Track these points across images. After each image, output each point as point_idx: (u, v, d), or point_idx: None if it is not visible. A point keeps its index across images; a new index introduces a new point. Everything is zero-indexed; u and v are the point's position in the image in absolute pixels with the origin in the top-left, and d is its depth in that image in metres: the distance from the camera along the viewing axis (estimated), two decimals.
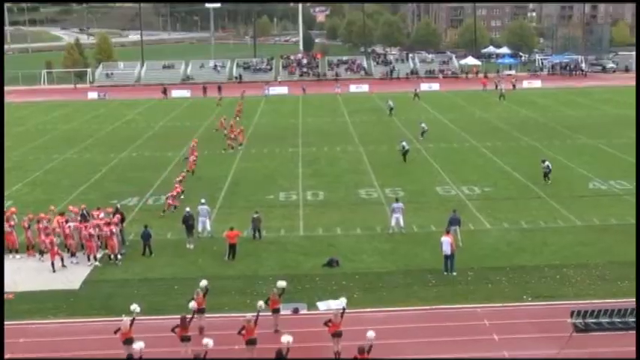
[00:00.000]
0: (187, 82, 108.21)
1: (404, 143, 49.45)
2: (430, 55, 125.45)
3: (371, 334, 19.22)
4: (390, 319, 23.74)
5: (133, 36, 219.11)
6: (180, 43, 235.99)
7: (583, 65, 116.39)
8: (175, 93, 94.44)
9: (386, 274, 27.87)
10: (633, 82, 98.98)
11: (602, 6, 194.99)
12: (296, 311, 24.33)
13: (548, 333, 21.68)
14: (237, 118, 66.29)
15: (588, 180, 42.36)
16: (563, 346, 17.78)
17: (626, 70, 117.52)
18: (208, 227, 32.86)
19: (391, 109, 70.99)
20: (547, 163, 42.49)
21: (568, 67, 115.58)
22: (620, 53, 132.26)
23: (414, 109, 75.23)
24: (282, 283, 23.40)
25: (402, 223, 32.79)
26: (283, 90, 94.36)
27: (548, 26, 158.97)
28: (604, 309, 13.05)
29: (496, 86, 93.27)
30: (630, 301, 22.52)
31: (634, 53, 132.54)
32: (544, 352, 20.76)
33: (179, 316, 21.29)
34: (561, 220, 34.48)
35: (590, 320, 12.85)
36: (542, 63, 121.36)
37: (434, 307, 24.72)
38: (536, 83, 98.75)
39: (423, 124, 58.02)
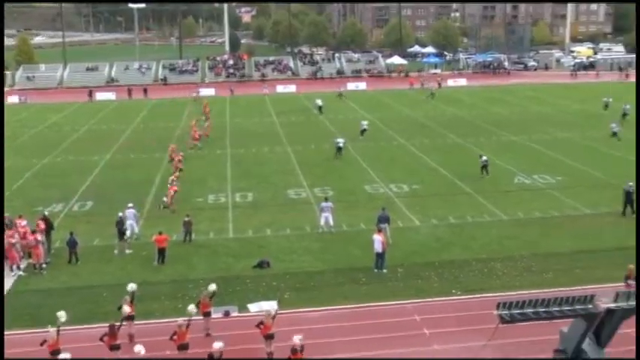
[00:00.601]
0: (112, 84, 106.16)
1: (338, 139, 50.33)
2: (356, 55, 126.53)
3: (297, 337, 19.18)
4: (322, 318, 23.83)
5: (52, 38, 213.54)
6: (104, 44, 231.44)
7: (506, 64, 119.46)
8: (100, 95, 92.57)
9: (317, 273, 27.96)
10: (554, 80, 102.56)
11: (522, 6, 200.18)
12: (227, 314, 24.18)
13: (477, 325, 22.13)
14: (205, 119, 65.27)
15: (513, 175, 43.46)
16: (491, 338, 18.22)
17: (546, 67, 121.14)
18: (136, 230, 32.40)
19: (320, 107, 71.68)
20: (485, 157, 43.64)
21: (491, 66, 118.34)
22: (540, 52, 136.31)
23: (342, 108, 75.78)
24: (212, 287, 23.23)
25: (331, 222, 32.97)
26: (210, 91, 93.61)
27: (471, 26, 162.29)
28: (529, 300, 13.40)
29: (422, 85, 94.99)
30: (554, 291, 23.24)
31: (554, 52, 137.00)
32: (473, 344, 21.21)
33: (107, 324, 20.87)
34: (488, 215, 35.29)
35: (515, 311, 13.19)
36: (466, 62, 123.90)
37: (365, 304, 24.92)
38: (462, 82, 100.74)
39: (363, 123, 58.91)
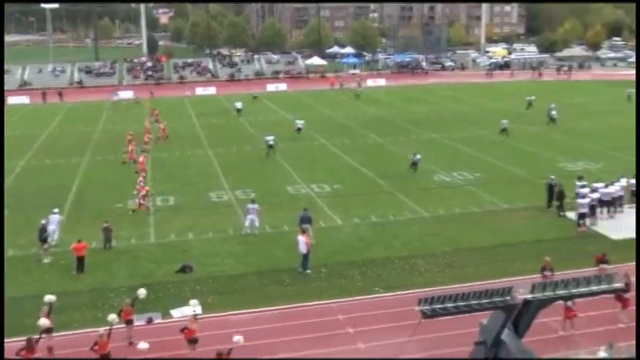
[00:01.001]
0: (25, 87, 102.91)
1: (268, 137, 51.00)
2: (276, 56, 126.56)
3: (238, 338, 19.06)
4: (247, 321, 23.74)
5: None
6: (16, 46, 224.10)
7: (424, 64, 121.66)
8: (12, 100, 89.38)
9: (240, 276, 27.84)
10: (470, 79, 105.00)
11: (439, 7, 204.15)
12: (150, 321, 23.77)
13: (400, 321, 22.47)
14: (157, 122, 63.85)
15: (433, 173, 44.29)
16: (413, 333, 18.54)
17: (463, 67, 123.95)
18: (55, 236, 31.53)
19: (238, 110, 71.71)
20: (418, 156, 44.78)
21: (410, 66, 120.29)
22: (457, 52, 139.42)
23: (262, 110, 75.67)
24: (141, 292, 22.69)
25: (256, 224, 32.88)
26: (129, 94, 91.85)
27: (389, 27, 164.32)
28: (449, 294, 13.70)
29: (341, 85, 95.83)
30: (474, 285, 23.79)
31: (470, 52, 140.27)
32: (397, 341, 21.52)
33: (25, 338, 20.22)
34: (409, 213, 35.86)
35: (436, 306, 13.47)
36: (385, 62, 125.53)
37: (289, 305, 24.95)
38: (381, 82, 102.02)
39: (299, 122, 59.81)
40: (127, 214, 36.40)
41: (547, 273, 24.53)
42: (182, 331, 20.89)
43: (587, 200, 33.09)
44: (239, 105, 72.45)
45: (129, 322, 22.31)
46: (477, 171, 44.50)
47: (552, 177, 36.90)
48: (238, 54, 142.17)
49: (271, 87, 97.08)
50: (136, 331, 22.40)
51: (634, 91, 76.94)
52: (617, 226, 33.18)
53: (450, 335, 21.19)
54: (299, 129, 58.70)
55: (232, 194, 40.21)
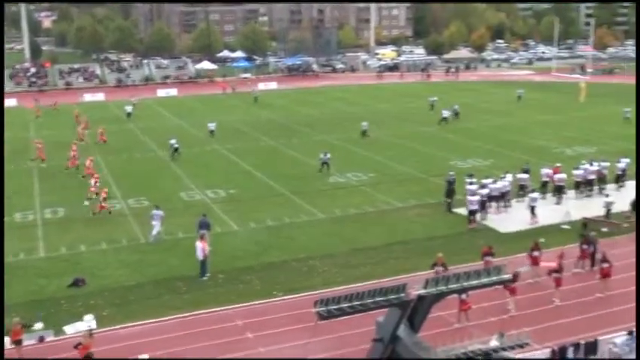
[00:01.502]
0: None
1: (172, 140, 51.28)
2: (165, 61, 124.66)
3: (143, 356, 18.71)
4: (144, 332, 23.30)
5: None
6: None
7: (315, 66, 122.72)
8: None
9: (135, 286, 27.27)
10: (361, 81, 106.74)
11: (328, 10, 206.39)
12: (42, 339, 22.93)
13: (300, 324, 22.62)
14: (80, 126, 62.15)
15: (327, 174, 44.74)
16: (311, 335, 18.73)
17: (353, 70, 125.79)
18: None
19: (128, 114, 71.20)
20: (328, 155, 45.55)
21: (301, 69, 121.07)
22: (347, 54, 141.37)
23: (153, 115, 74.34)
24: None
25: (157, 230, 32.49)
26: (12, 102, 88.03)
27: (279, 30, 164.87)
28: (345, 295, 13.91)
29: (233, 89, 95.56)
30: (371, 283, 24.26)
31: (360, 54, 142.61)
32: (297, 343, 21.67)
33: None
34: (305, 215, 36.13)
35: (332, 307, 13.63)
36: (276, 65, 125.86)
37: (188, 314, 24.66)
38: (272, 85, 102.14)
39: (211, 125, 60.46)
40: (14, 228, 34.97)
41: (439, 269, 25.30)
42: (76, 347, 20.29)
43: (476, 197, 34.33)
44: (129, 109, 72.27)
45: (18, 343, 21.44)
46: (371, 171, 45.32)
47: (451, 173, 38.35)
48: (127, 59, 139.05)
49: (162, 92, 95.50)
50: (28, 351, 21.59)
51: (524, 91, 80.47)
52: (505, 220, 34.60)
53: (351, 334, 21.52)
54: (212, 131, 59.93)
55: (125, 203, 39.32)
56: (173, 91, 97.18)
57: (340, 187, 42.02)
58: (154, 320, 24.17)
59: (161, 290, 26.80)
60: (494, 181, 36.77)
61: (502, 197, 36.32)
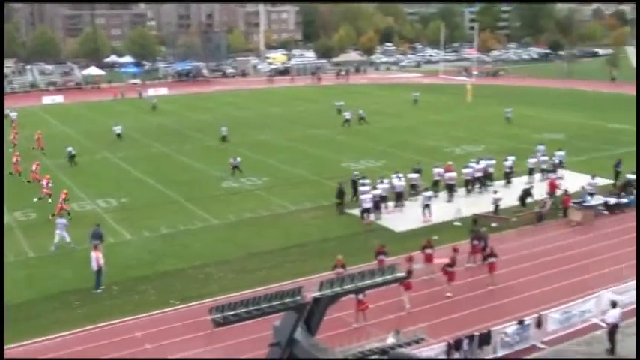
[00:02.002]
0: None
1: (69, 148, 50.92)
2: (50, 67, 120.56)
3: None
4: (38, 351, 22.46)
5: None
6: None
7: (205, 71, 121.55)
8: None
9: (25, 303, 26.17)
10: (252, 85, 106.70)
11: (217, 15, 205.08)
12: None
13: (198, 332, 22.36)
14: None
15: (220, 180, 44.48)
16: (208, 343, 18.58)
17: (244, 74, 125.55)
18: None
19: (12, 120, 69.34)
20: (238, 159, 45.85)
21: (191, 74, 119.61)
22: (237, 59, 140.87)
23: (40, 122, 71.65)
24: None
25: (59, 239, 31.99)
26: None
27: (167, 34, 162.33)
28: (240, 300, 13.84)
29: (122, 95, 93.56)
30: (268, 288, 24.24)
31: (250, 59, 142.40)
32: (196, 352, 21.45)
33: None
34: (199, 221, 35.76)
35: (228, 313, 13.53)
36: (166, 71, 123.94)
37: (82, 329, 23.92)
38: (162, 91, 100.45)
39: (116, 128, 60.64)
40: None
41: (340, 270, 25.59)
42: None
43: (369, 196, 35.03)
44: (14, 115, 70.91)
45: None
46: (265, 175, 45.35)
47: (356, 173, 39.26)
48: (9, 65, 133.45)
49: (47, 99, 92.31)
50: None
51: (419, 94, 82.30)
52: (400, 219, 35.40)
53: (249, 340, 21.46)
54: (119, 134, 59.94)
55: (11, 216, 37.73)
56: (59, 98, 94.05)
57: (234, 192, 41.84)
58: (48, 337, 23.30)
59: (54, 305, 25.87)
60: (389, 182, 37.57)
61: (399, 197, 37.16)
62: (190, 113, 76.74)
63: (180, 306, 25.57)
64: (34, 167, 45.78)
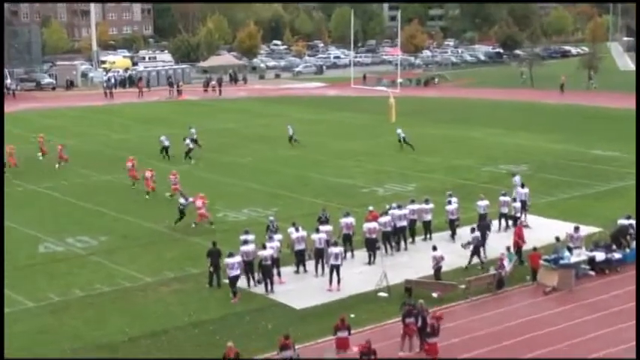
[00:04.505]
0: None
1: None
2: None
3: None
4: None
5: None
6: None
7: (9, 82, 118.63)
8: None
9: None
10: (81, 102, 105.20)
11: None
12: None
13: None
14: None
15: (36, 241, 43.41)
16: None
17: (68, 86, 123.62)
18: None
19: None
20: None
21: None
22: (58, 64, 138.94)
23: None
24: None
25: None
26: None
27: None
28: None
29: None
30: None
31: (77, 63, 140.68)
32: None
33: None
34: (8, 305, 34.43)
35: None
36: None
37: None
38: None
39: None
40: None
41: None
42: None
43: (237, 259, 34.59)
44: None
45: None
46: (101, 232, 44.55)
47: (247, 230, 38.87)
48: None
49: None
50: None
51: (321, 113, 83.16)
52: (299, 291, 35.33)
53: None
54: None
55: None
56: None
57: (58, 258, 40.86)
58: None
59: None
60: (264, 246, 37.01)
61: (298, 257, 37.16)
62: None
63: None
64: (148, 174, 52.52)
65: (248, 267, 35.59)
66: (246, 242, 36.65)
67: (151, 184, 52.12)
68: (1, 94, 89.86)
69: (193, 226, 44.57)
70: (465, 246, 38.35)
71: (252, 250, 35.89)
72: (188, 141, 65.04)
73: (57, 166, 61.64)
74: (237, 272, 34.62)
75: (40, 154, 65.06)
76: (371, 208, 42.42)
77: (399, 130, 68.54)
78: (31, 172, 60.64)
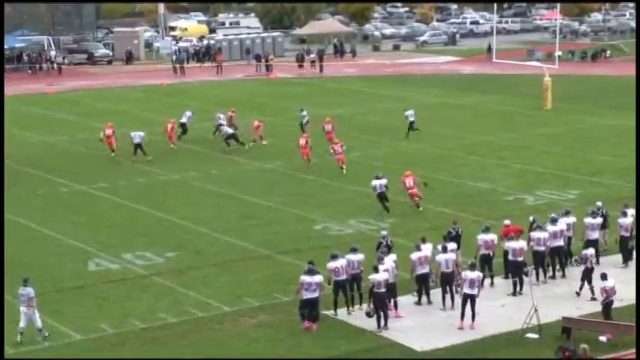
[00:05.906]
0: None
1: None
2: None
3: None
4: None
5: None
6: None
7: (53, 54, 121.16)
8: None
9: None
10: (144, 81, 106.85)
11: None
12: None
13: None
14: None
15: (86, 254, 44.33)
16: None
17: (128, 59, 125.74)
18: None
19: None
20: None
21: (25, 59, 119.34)
22: (115, 31, 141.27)
23: None
24: None
25: None
26: None
27: None
28: None
29: None
30: None
31: (139, 30, 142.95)
32: None
33: None
34: (52, 337, 35.20)
35: None
36: None
37: None
38: None
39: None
40: None
41: None
42: None
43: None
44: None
45: None
46: (170, 247, 45.14)
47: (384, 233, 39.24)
48: None
49: None
50: None
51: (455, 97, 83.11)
52: (421, 327, 35.25)
53: None
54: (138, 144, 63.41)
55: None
56: None
57: (111, 278, 41.51)
58: None
59: None
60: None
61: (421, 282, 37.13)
62: (24, 133, 76.30)
63: None
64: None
65: (338, 289, 35.69)
66: (335, 257, 36.24)
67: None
68: (1, 92, 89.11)
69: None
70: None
71: (342, 267, 35.75)
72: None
73: (250, 144, 67.43)
74: (315, 295, 34.75)
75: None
76: (507, 222, 41.84)
77: (409, 112, 69.95)
78: (85, 169, 61.81)
